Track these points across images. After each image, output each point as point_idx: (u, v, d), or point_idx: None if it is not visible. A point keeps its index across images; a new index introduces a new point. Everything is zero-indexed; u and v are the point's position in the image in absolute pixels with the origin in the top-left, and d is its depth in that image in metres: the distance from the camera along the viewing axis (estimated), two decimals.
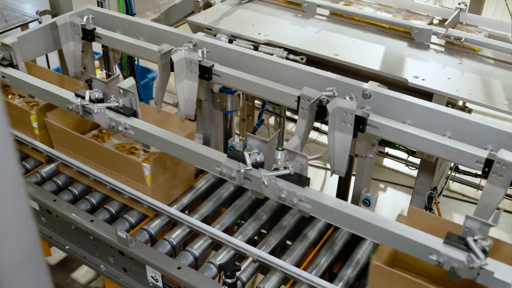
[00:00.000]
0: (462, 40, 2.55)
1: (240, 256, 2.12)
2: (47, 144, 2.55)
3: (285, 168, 1.75)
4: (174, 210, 2.28)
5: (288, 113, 3.94)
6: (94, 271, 2.51)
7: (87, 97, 2.13)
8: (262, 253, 2.06)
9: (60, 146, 2.49)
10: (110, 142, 2.62)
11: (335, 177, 2.35)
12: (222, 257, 2.10)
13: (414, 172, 3.46)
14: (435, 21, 2.93)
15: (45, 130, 2.53)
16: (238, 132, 4.17)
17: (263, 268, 2.08)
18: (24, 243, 0.89)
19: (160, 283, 2.11)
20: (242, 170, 1.77)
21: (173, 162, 2.29)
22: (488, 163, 1.78)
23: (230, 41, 2.65)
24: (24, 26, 3.50)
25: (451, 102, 2.43)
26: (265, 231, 2.37)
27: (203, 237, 2.18)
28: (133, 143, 2.59)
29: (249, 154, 1.79)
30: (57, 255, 3.55)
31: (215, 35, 2.70)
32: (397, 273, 1.74)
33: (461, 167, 3.57)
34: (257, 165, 1.78)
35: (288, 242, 2.31)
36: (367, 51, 2.58)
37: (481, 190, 2.47)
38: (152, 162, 2.22)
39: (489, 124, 1.90)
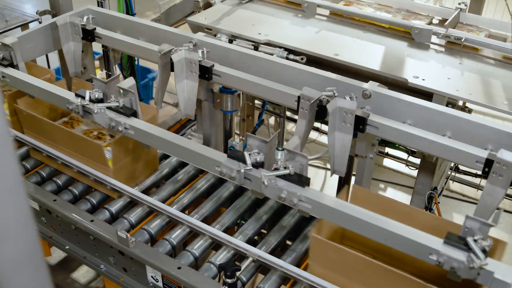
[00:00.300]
0: (463, 40, 2.55)
1: (240, 256, 2.12)
2: (18, 130, 2.63)
3: (285, 168, 1.75)
4: (171, 208, 2.28)
5: (288, 113, 3.94)
6: (94, 271, 2.51)
7: (87, 97, 2.13)
8: (262, 253, 2.06)
9: (30, 132, 2.57)
10: (79, 128, 2.74)
11: (335, 177, 2.35)
12: (222, 257, 2.10)
13: (414, 172, 3.46)
14: (435, 21, 2.93)
15: (16, 117, 2.61)
16: (238, 132, 4.17)
17: (263, 268, 2.08)
18: (24, 243, 0.89)
19: (160, 283, 2.11)
20: (242, 170, 1.77)
21: (135, 145, 2.37)
22: (488, 163, 1.78)
23: (230, 41, 2.65)
24: (24, 26, 3.50)
25: (451, 102, 2.43)
26: (265, 231, 2.37)
27: (203, 237, 2.18)
28: (101, 129, 2.68)
29: (249, 154, 1.80)
30: (57, 255, 3.55)
31: (215, 35, 2.70)
32: (334, 244, 1.79)
33: (461, 167, 3.57)
34: (257, 165, 1.78)
35: (288, 242, 2.31)
36: (367, 51, 2.58)
37: (481, 190, 2.47)
38: (113, 145, 2.32)
39: (489, 124, 1.90)
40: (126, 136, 2.14)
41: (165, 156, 2.69)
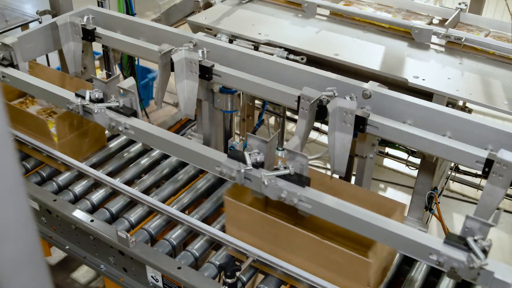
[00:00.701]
0: (463, 40, 2.55)
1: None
2: None
3: (285, 168, 1.75)
4: (171, 208, 2.27)
5: (288, 113, 3.94)
6: (94, 271, 2.51)
7: (87, 97, 2.13)
8: (262, 253, 2.05)
9: None
10: (33, 107, 2.95)
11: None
12: (222, 257, 2.10)
13: (414, 172, 3.46)
14: (435, 21, 2.93)
15: None
16: (238, 132, 4.17)
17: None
18: (24, 243, 0.89)
19: (160, 283, 2.11)
20: (242, 170, 1.77)
21: (80, 121, 2.54)
22: (488, 163, 1.78)
23: (230, 41, 2.65)
24: (24, 26, 3.50)
25: (451, 102, 2.43)
26: None
27: (203, 237, 2.18)
28: (52, 108, 2.90)
29: (249, 154, 1.80)
30: (57, 255, 3.55)
31: (215, 35, 2.70)
32: (243, 205, 1.93)
33: (461, 167, 3.56)
34: (257, 165, 1.78)
35: None
36: (367, 51, 2.58)
37: (481, 190, 2.47)
38: (57, 120, 2.48)
39: (489, 124, 1.90)
40: (70, 112, 2.21)
41: (165, 156, 2.69)
